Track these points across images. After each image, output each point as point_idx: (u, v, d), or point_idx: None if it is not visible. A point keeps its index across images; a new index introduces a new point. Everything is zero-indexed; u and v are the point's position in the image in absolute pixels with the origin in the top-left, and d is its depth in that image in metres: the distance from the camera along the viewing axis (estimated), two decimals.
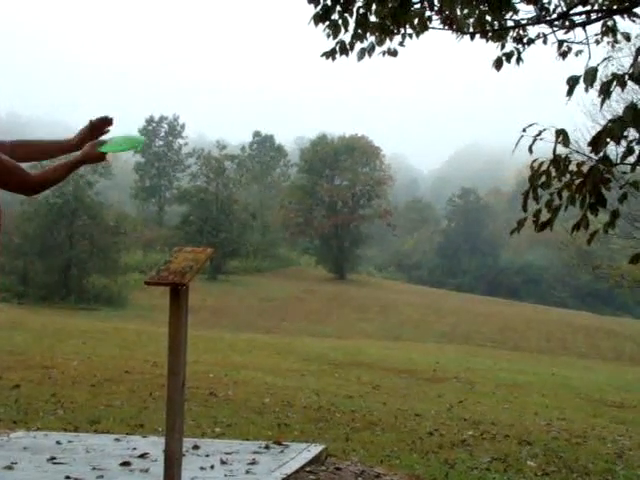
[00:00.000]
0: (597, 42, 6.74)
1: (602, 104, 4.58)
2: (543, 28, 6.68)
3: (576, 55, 6.70)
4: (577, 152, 5.27)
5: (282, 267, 73.11)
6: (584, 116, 33.16)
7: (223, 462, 5.38)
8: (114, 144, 4.19)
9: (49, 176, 4.08)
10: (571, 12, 6.38)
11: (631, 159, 4.76)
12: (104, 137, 4.28)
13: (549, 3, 6.45)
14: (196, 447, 5.76)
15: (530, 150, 4.90)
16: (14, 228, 51.25)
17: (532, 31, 6.83)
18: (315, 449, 5.99)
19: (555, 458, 7.74)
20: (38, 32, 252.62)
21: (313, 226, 71.68)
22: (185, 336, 4.66)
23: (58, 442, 5.76)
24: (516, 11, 6.55)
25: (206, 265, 5.31)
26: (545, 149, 5.01)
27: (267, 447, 5.93)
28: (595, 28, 6.63)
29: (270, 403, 9.85)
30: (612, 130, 4.34)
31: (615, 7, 6.15)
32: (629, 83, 4.30)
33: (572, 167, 4.98)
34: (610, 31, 6.68)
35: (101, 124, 4.36)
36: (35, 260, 53.15)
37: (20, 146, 4.36)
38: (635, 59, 4.22)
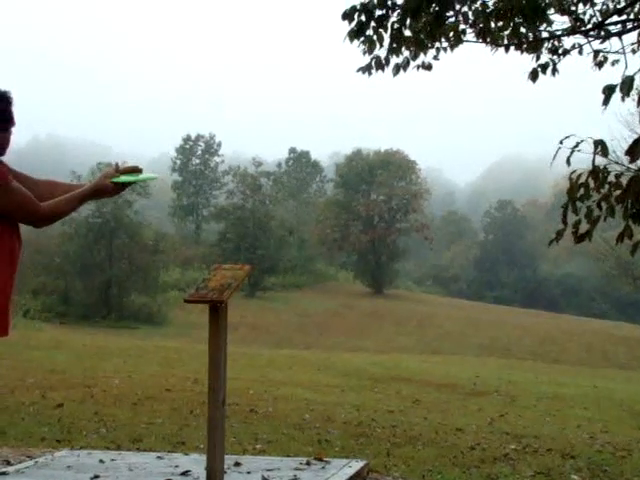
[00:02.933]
0: (633, 51, 6.70)
1: None
2: (578, 39, 6.67)
3: (612, 65, 6.68)
4: (616, 163, 5.24)
5: (320, 282, 73.09)
6: (621, 125, 32.94)
7: (265, 479, 5.38)
8: (126, 176, 4.14)
9: (59, 208, 4.04)
10: (606, 22, 6.36)
11: None
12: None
13: (584, 14, 6.44)
14: (237, 464, 5.76)
15: (568, 162, 4.87)
16: (55, 248, 51.83)
17: (567, 42, 6.82)
18: (356, 465, 5.97)
19: (599, 472, 7.65)
20: (74, 53, 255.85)
21: (350, 241, 71.63)
22: (225, 353, 4.68)
23: (101, 461, 5.79)
24: (551, 22, 6.54)
25: (244, 282, 5.33)
26: (583, 160, 4.98)
27: (308, 463, 5.92)
28: (631, 37, 6.60)
29: (310, 419, 9.84)
30: None
31: None
32: None
33: (611, 178, 4.95)
34: None
35: (128, 172, 4.22)
36: (76, 279, 53.63)
37: (40, 186, 4.27)
38: None
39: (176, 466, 5.73)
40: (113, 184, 4.10)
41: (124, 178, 4.12)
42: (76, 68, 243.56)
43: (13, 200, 3.91)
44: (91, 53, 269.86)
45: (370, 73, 6.63)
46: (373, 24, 6.30)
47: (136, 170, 4.30)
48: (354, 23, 6.26)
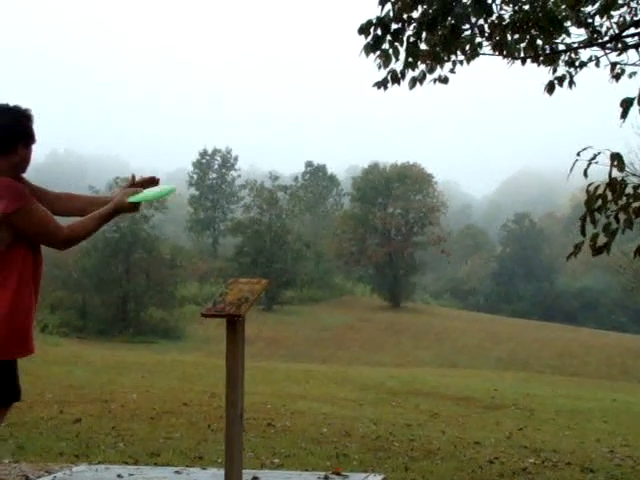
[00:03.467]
0: None
1: None
2: (595, 51, 6.65)
3: (629, 77, 6.65)
4: (633, 175, 5.22)
5: (337, 296, 73.08)
6: (639, 138, 32.79)
7: None
8: (145, 194, 4.15)
9: (77, 231, 4.05)
10: (623, 34, 6.33)
11: None
12: None
13: (601, 26, 6.41)
14: (255, 478, 5.75)
15: (585, 174, 4.85)
16: (72, 263, 52.02)
17: (584, 54, 6.80)
18: (374, 479, 5.95)
19: None
20: (91, 68, 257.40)
21: (367, 254, 71.64)
22: (242, 367, 4.68)
23: (119, 475, 5.79)
24: (567, 34, 6.52)
25: (261, 296, 5.34)
26: (600, 172, 4.96)
27: (326, 477, 5.90)
28: None
29: (328, 433, 9.81)
30: None
31: None
32: None
33: (628, 190, 4.93)
34: None
35: (146, 184, 4.32)
36: (93, 294, 53.82)
37: (61, 199, 4.39)
38: None
39: None
40: (131, 204, 4.10)
41: (141, 197, 4.11)
42: (93, 83, 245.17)
43: (36, 222, 3.94)
44: (109, 69, 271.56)
45: (386, 87, 6.62)
46: (389, 38, 6.29)
47: (153, 181, 4.33)
48: (370, 37, 6.25)
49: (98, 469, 6.16)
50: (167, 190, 4.21)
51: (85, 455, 7.54)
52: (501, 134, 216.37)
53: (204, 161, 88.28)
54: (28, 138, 4.14)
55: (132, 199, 4.07)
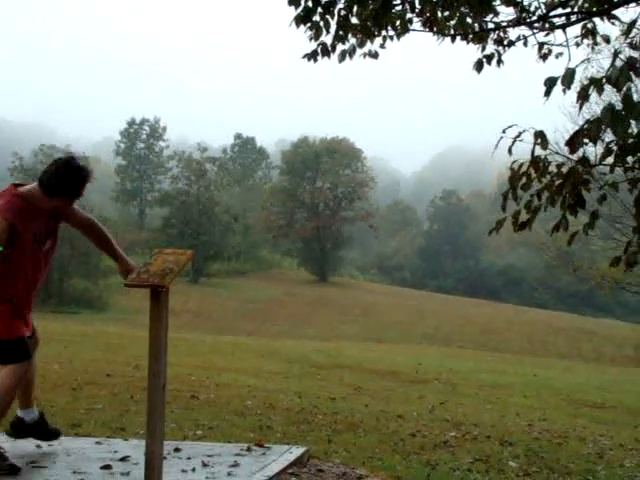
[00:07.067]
0: (577, 44, 6.74)
1: (580, 108, 4.61)
2: (523, 30, 6.68)
3: (556, 57, 6.71)
4: (557, 153, 5.29)
5: (264, 269, 73.15)
6: (564, 117, 33.35)
7: (204, 464, 5.37)
8: None
9: None
10: (551, 14, 6.39)
11: (610, 160, 4.78)
12: None
13: (529, 5, 6.45)
14: (177, 450, 5.74)
15: (510, 151, 4.90)
16: None
17: (512, 33, 6.83)
18: (297, 451, 5.98)
19: (536, 458, 7.77)
20: (20, 36, 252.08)
21: (295, 228, 71.75)
22: (165, 338, 4.65)
23: (38, 446, 5.73)
24: (496, 13, 6.54)
25: (188, 268, 5.31)
26: (527, 150, 5.01)
27: (249, 449, 5.92)
28: (575, 30, 6.64)
29: (252, 405, 9.82)
30: (589, 130, 4.36)
31: (594, 9, 6.17)
32: (607, 86, 4.31)
33: (552, 168, 4.99)
34: (590, 33, 6.68)
35: None
36: None
37: (83, 226, 5.46)
38: (612, 62, 4.22)
39: (115, 451, 5.69)
40: None
41: None
42: (24, 49, 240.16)
43: None
44: (39, 34, 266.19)
45: (315, 60, 6.58)
46: (320, 10, 6.25)
47: None
48: (300, 8, 6.21)
49: (16, 439, 6.08)
50: None
51: (4, 426, 7.43)
52: (430, 111, 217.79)
53: (132, 130, 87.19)
54: (73, 196, 4.94)
55: None
